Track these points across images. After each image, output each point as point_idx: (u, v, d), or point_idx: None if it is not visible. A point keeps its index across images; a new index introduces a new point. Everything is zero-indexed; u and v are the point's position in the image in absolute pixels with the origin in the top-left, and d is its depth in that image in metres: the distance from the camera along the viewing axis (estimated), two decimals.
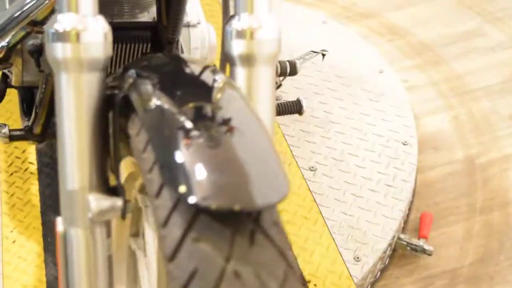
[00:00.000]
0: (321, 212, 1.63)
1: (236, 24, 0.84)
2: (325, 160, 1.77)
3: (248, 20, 0.84)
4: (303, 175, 1.73)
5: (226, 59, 0.86)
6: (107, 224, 0.84)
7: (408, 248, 1.60)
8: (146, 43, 1.21)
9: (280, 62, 1.40)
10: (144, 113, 0.71)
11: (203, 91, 0.75)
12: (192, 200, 0.59)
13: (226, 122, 0.69)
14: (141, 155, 0.70)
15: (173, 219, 0.62)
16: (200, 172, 0.62)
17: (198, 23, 1.39)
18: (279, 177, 0.64)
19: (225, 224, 0.61)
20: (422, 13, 2.46)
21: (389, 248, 1.58)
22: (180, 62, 0.84)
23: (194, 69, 0.81)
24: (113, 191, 0.83)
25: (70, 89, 0.79)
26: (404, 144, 1.79)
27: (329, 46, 2.13)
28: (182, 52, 1.25)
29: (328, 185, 1.70)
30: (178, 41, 1.23)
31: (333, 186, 1.69)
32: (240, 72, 0.85)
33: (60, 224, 0.82)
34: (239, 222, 0.61)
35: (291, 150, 1.80)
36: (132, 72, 0.81)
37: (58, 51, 0.77)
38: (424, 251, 1.58)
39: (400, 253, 1.63)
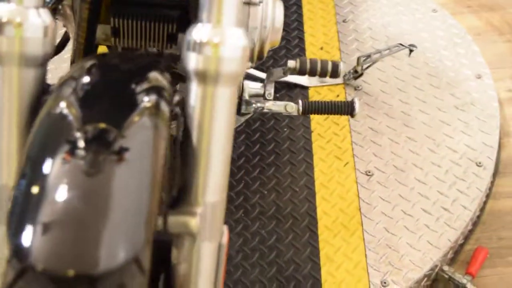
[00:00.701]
0: (362, 224, 1.50)
1: (196, 34, 0.74)
2: (385, 166, 1.62)
3: (210, 33, 0.74)
4: (356, 179, 1.60)
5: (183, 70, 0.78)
6: None
7: (450, 282, 1.44)
8: (172, 23, 1.13)
9: (321, 61, 1.27)
10: (45, 116, 0.66)
11: (121, 113, 0.67)
12: (17, 253, 0.53)
13: (121, 151, 0.62)
14: None
15: (13, 260, 0.56)
16: (47, 212, 0.55)
17: (261, 2, 1.29)
18: (136, 233, 0.56)
19: (52, 284, 0.54)
20: None
21: (425, 279, 1.42)
22: (128, 71, 0.76)
23: (134, 83, 0.73)
24: None
25: (3, 83, 0.74)
26: (478, 165, 1.60)
27: (430, 39, 1.95)
28: None
29: (379, 195, 1.56)
30: None
31: (384, 197, 1.55)
32: (194, 88, 0.75)
33: None
34: (70, 284, 0.54)
35: (352, 148, 1.67)
36: (74, 70, 0.75)
37: None
38: None
39: (442, 286, 1.47)
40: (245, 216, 1.55)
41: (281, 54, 1.97)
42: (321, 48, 1.97)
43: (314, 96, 1.82)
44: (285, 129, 1.74)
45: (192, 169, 0.77)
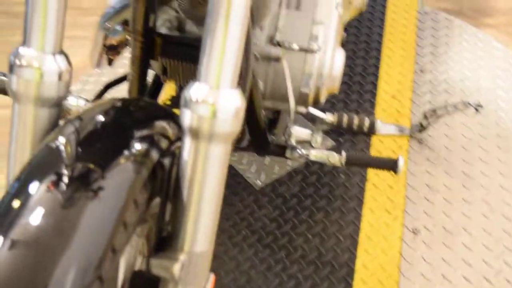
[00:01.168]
0: (399, 283, 1.48)
1: (193, 92, 0.78)
2: (434, 226, 1.58)
3: (205, 93, 0.77)
4: (402, 235, 1.57)
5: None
6: None
7: None
8: None
9: (359, 116, 1.26)
10: (44, 147, 0.72)
11: (110, 155, 0.73)
12: None
13: (97, 190, 0.67)
14: None
15: None
16: (13, 232, 0.61)
17: (318, 49, 1.31)
18: (86, 271, 0.61)
19: None
20: None
21: None
22: (134, 121, 0.81)
23: (136, 130, 0.78)
24: None
25: (19, 120, 0.81)
26: None
27: (507, 98, 1.89)
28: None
29: (422, 255, 1.52)
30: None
31: (426, 258, 1.52)
32: (188, 143, 0.79)
33: None
34: None
35: (404, 203, 1.64)
36: (86, 110, 0.81)
37: (13, 82, 0.80)
38: None
39: None
40: (286, 257, 1.56)
41: (353, 97, 1.97)
42: (393, 97, 1.95)
43: (376, 144, 1.81)
44: (341, 175, 1.74)
45: (181, 219, 0.81)
